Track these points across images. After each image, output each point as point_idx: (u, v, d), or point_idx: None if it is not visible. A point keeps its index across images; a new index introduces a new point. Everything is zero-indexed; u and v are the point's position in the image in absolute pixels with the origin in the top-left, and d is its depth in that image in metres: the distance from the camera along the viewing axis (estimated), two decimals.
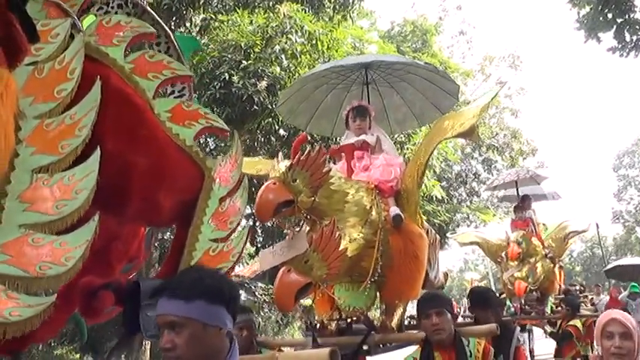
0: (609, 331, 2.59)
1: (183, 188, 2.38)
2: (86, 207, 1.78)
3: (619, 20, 10.97)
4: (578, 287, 13.00)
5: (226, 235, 2.41)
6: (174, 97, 2.77)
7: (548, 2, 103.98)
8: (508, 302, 8.93)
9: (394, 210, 3.87)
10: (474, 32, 38.58)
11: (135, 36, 2.28)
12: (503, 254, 8.70)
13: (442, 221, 14.76)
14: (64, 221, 1.72)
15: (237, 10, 11.14)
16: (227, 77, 10.15)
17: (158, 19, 2.84)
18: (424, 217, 13.24)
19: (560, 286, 9.35)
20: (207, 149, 11.51)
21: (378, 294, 3.93)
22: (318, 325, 3.80)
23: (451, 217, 15.96)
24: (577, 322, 7.75)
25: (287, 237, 3.43)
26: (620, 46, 11.21)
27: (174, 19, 11.63)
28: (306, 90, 5.01)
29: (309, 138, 9.10)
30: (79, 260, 1.71)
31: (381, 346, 3.86)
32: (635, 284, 11.09)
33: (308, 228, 3.65)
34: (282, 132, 10.73)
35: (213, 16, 11.61)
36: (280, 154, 3.46)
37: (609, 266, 17.17)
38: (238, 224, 2.50)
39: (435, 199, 13.63)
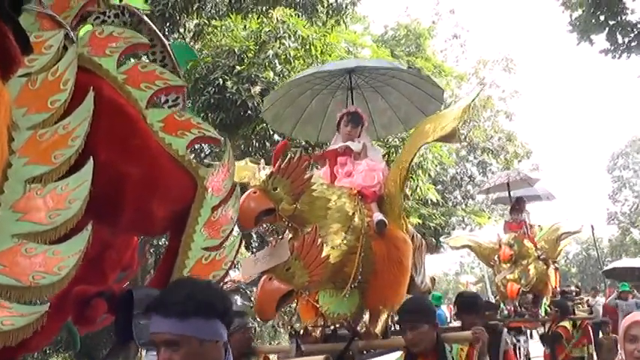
0: (632, 335, 2.55)
1: (176, 198, 2.39)
2: (79, 217, 1.79)
3: (611, 22, 11.07)
4: (573, 289, 13.04)
5: (219, 243, 2.42)
6: (169, 107, 2.78)
7: (541, 5, 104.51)
8: (502, 305, 8.98)
9: (377, 216, 3.87)
10: (468, 36, 38.69)
11: (128, 46, 2.29)
12: (496, 257, 8.75)
13: (437, 224, 14.77)
14: (58, 231, 1.74)
15: (231, 16, 11.18)
16: (221, 82, 10.17)
17: (154, 28, 2.86)
18: (419, 221, 13.28)
19: (555, 287, 9.39)
20: (203, 154, 11.53)
21: (362, 300, 3.92)
22: (301, 332, 3.81)
23: (446, 221, 15.97)
24: (566, 324, 7.79)
25: (269, 245, 3.45)
26: (612, 48, 11.32)
27: (167, 24, 11.66)
28: (291, 95, 5.04)
29: (303, 143, 9.16)
30: (73, 269, 1.73)
31: (364, 352, 3.84)
32: (625, 283, 11.13)
33: (291, 235, 3.65)
34: (276, 137, 10.74)
35: (207, 22, 11.66)
36: (262, 161, 3.53)
37: (607, 267, 17.22)
38: (231, 232, 2.51)
39: (430, 202, 13.63)
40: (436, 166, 13.43)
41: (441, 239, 14.87)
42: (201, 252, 2.36)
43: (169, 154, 2.35)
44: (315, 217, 3.57)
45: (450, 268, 60.23)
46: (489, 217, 18.23)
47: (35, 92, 1.82)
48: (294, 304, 4.26)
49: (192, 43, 12.17)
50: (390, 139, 11.53)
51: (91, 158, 1.87)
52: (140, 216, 2.25)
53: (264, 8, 11.66)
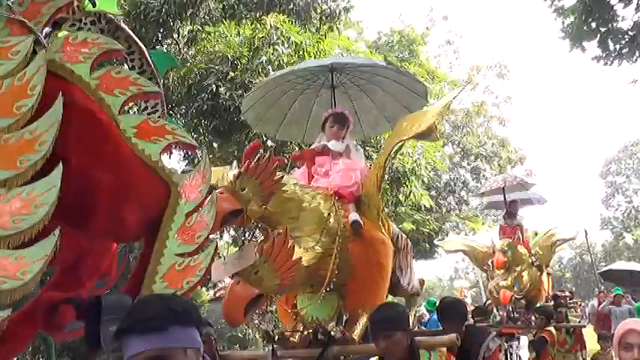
0: (628, 343, 2.51)
1: (149, 204, 2.37)
2: (45, 222, 1.76)
3: (603, 29, 11.07)
4: (567, 294, 13.02)
5: (193, 249, 2.37)
6: (148, 113, 2.75)
7: (534, 12, 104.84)
8: (495, 310, 8.94)
9: (353, 216, 3.78)
10: (461, 42, 38.81)
11: (102, 53, 2.27)
12: (489, 262, 8.72)
13: (431, 230, 14.78)
14: (22, 235, 1.71)
15: (224, 22, 11.16)
16: (214, 89, 10.15)
17: (132, 35, 2.85)
18: (413, 226, 13.23)
19: (548, 292, 9.35)
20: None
21: (340, 304, 3.85)
22: (277, 337, 3.67)
23: (440, 226, 15.98)
24: (551, 328, 7.77)
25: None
26: (604, 54, 11.31)
27: (161, 30, 11.65)
28: (273, 96, 4.95)
29: (300, 145, 9.12)
30: (37, 275, 1.70)
31: (341, 358, 3.76)
32: (619, 287, 11.11)
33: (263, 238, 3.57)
34: (270, 143, 10.75)
35: (200, 28, 11.64)
36: (235, 162, 3.35)
37: (604, 269, 17.17)
38: (206, 239, 2.46)
39: (423, 208, 13.63)
40: (430, 171, 13.42)
41: (435, 242, 14.86)
42: (175, 258, 2.31)
43: (142, 160, 2.32)
44: (286, 218, 3.49)
45: (444, 273, 60.29)
46: (483, 223, 18.25)
47: (0, 97, 1.80)
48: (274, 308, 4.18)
49: (185, 49, 12.17)
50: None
51: (60, 163, 1.84)
52: (113, 222, 2.23)
53: (257, 14, 11.65)
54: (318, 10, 12.31)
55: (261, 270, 3.04)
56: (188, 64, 11.25)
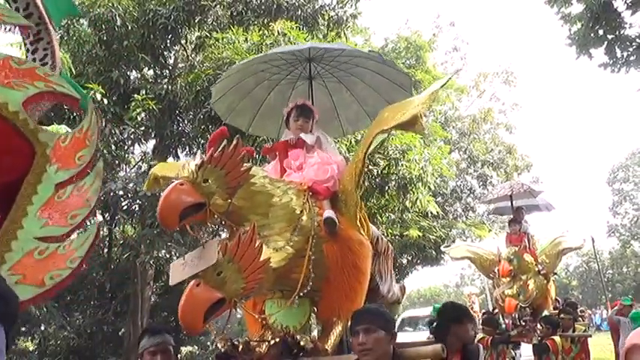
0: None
1: (2, 166, 1.85)
2: None
3: (610, 37, 10.98)
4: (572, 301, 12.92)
5: (64, 233, 1.89)
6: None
7: (540, 19, 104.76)
8: (501, 318, 8.91)
9: (327, 213, 3.35)
10: (468, 48, 38.75)
11: None
12: (495, 269, 8.68)
13: (437, 237, 14.60)
14: None
15: (232, 28, 11.06)
16: None
17: None
18: (419, 233, 13.13)
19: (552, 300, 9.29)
20: None
21: (313, 310, 3.44)
22: (242, 347, 3.18)
23: (447, 233, 15.78)
24: (556, 337, 7.73)
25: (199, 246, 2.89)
26: (611, 62, 11.22)
27: (169, 37, 11.63)
28: (246, 86, 4.49)
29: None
30: None
31: None
32: (627, 298, 11.02)
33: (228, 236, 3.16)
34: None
35: (208, 34, 11.57)
36: (199, 152, 2.94)
37: None
38: (85, 220, 1.98)
39: (430, 214, 13.52)
40: (436, 178, 13.33)
41: (442, 248, 14.83)
42: (34, 243, 1.81)
43: None
44: (254, 214, 3.05)
45: (450, 280, 60.11)
46: (490, 230, 18.10)
47: None
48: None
49: (193, 56, 12.14)
50: (392, 152, 11.57)
51: None
52: None
53: (265, 21, 11.56)
54: (326, 17, 12.28)
55: (225, 271, 2.65)
56: (196, 70, 11.22)
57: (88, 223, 2.03)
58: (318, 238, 3.27)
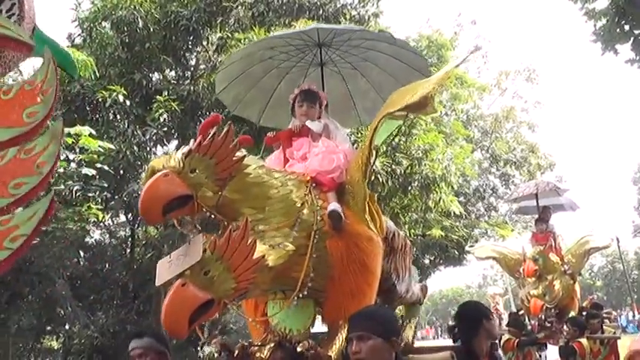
0: None
1: None
2: None
3: (636, 32, 10.72)
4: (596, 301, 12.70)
5: (2, 205, 1.56)
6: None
7: (563, 15, 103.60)
8: (526, 319, 8.77)
9: (332, 206, 3.03)
10: (490, 46, 38.48)
11: None
12: (521, 269, 8.55)
13: (460, 237, 14.49)
14: None
15: (254, 29, 10.92)
16: None
17: None
18: (442, 233, 13.01)
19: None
20: None
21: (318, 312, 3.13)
22: (237, 352, 2.93)
23: (469, 233, 15.64)
24: (583, 340, 7.56)
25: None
26: (637, 57, 11.00)
27: (191, 38, 11.65)
28: (253, 75, 4.21)
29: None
30: None
31: None
32: None
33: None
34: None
35: (230, 35, 11.49)
36: (192, 141, 2.66)
37: None
38: (34, 192, 1.63)
39: (452, 214, 13.39)
40: (459, 178, 13.25)
41: (466, 248, 14.69)
42: None
43: None
44: (248, 208, 2.76)
45: (472, 280, 59.68)
46: (513, 230, 17.91)
47: None
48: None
49: (215, 56, 12.11)
50: (414, 151, 11.52)
51: None
52: None
53: (287, 21, 11.43)
54: (348, 16, 12.17)
55: (213, 270, 2.39)
56: (218, 70, 11.29)
57: (37, 197, 1.70)
58: (322, 233, 2.96)
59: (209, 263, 2.39)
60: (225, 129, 2.55)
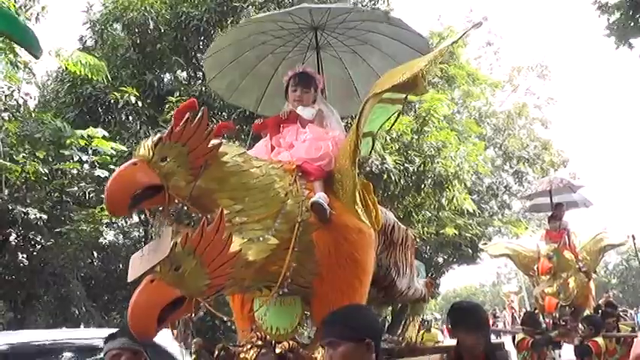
0: None
1: None
2: None
3: None
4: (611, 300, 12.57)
5: None
6: None
7: (576, 10, 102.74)
8: (541, 317, 8.69)
9: (315, 197, 2.83)
10: (502, 43, 38.18)
11: None
12: (535, 267, 8.47)
13: (474, 235, 14.36)
14: None
15: None
16: None
17: None
18: (455, 231, 12.90)
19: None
20: None
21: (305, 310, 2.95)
22: (218, 352, 2.78)
23: (483, 231, 15.49)
24: (599, 339, 7.45)
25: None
26: None
27: (202, 39, 11.65)
28: (246, 61, 4.01)
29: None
30: None
31: None
32: None
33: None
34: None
35: None
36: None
37: None
38: None
39: (466, 212, 13.30)
40: (472, 175, 13.15)
41: (480, 245, 14.59)
42: None
43: None
44: (226, 198, 2.55)
45: (486, 279, 59.25)
46: (526, 227, 17.76)
47: None
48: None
49: None
50: (427, 149, 11.47)
51: None
52: None
53: None
54: None
55: (184, 265, 2.21)
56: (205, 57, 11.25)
57: None
58: (307, 225, 2.75)
59: (180, 258, 2.22)
60: (199, 115, 2.37)
